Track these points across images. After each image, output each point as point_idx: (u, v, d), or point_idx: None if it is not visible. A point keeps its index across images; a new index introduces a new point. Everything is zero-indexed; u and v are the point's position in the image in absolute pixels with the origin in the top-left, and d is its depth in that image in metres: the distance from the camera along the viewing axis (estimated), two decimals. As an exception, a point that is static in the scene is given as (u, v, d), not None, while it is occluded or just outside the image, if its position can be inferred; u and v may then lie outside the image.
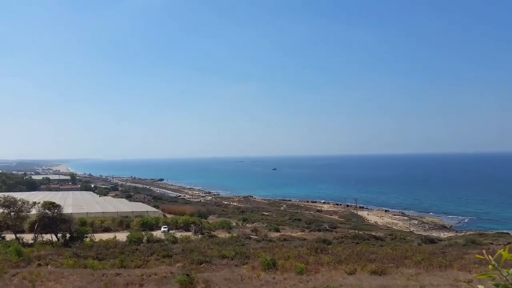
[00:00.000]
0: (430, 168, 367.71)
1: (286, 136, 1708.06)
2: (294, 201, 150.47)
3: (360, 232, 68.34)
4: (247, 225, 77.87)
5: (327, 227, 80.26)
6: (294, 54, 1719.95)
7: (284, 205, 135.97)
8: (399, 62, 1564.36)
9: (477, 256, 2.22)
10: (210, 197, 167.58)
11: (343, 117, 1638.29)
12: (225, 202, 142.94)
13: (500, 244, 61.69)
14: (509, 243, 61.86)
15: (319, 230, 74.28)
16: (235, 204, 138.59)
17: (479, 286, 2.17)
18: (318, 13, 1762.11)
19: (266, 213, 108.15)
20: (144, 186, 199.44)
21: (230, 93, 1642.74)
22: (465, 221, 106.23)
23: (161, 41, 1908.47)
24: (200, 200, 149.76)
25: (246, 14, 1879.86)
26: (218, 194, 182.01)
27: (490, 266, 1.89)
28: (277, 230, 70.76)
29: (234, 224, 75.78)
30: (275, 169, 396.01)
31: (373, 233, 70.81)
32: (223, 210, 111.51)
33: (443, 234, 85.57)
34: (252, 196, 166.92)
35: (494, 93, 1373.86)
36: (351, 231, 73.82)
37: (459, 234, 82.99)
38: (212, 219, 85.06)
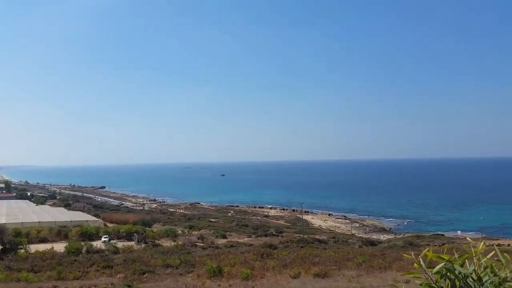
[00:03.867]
0: (378, 174, 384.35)
1: (235, 142, 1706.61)
2: (241, 207, 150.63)
3: (305, 236, 69.60)
4: (194, 232, 76.80)
5: (274, 232, 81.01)
6: (251, 55, 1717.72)
7: (232, 211, 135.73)
8: (362, 67, 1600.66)
9: (405, 255, 2.23)
10: (155, 205, 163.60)
11: (294, 122, 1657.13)
12: (171, 210, 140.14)
13: (435, 245, 65.30)
14: (443, 243, 65.68)
15: (266, 235, 74.76)
16: (181, 211, 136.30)
17: (400, 284, 2.17)
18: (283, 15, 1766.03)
19: (213, 220, 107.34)
20: (84, 194, 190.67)
21: (184, 97, 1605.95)
22: (404, 223, 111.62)
23: (114, 39, 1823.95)
24: (144, 208, 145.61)
25: (211, 14, 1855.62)
26: (164, 202, 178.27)
27: (415, 265, 1.90)
28: (224, 237, 70.45)
29: (180, 232, 74.51)
30: (223, 175, 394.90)
31: (317, 237, 72.39)
32: (168, 217, 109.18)
33: (383, 237, 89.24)
34: (199, 203, 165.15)
35: (462, 100, 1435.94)
36: (296, 235, 74.95)
37: (398, 236, 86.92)
38: (156, 227, 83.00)
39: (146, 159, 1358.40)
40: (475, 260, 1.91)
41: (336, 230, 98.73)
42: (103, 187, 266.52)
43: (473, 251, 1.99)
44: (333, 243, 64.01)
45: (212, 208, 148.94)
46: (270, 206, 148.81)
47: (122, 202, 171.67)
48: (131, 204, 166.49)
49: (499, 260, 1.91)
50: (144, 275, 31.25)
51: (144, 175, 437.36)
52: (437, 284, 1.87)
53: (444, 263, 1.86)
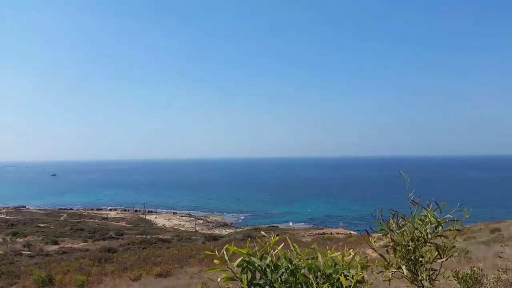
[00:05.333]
0: (221, 171, 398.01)
1: (70, 138, 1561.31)
2: (76, 209, 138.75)
3: (148, 237, 68.12)
4: (18, 239, 68.05)
5: (113, 235, 77.20)
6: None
7: (65, 215, 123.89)
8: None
9: (207, 253, 2.34)
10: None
11: (132, 118, 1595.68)
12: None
13: (270, 236, 71.11)
14: (278, 234, 71.73)
15: (104, 239, 70.85)
16: (2, 216, 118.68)
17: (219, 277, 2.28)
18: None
19: (43, 225, 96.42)
20: None
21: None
22: (243, 218, 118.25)
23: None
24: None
25: None
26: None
27: (215, 261, 2.02)
28: (56, 243, 64.32)
29: (0, 240, 65.18)
30: (54, 175, 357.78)
31: (160, 236, 71.54)
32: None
33: (225, 231, 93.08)
34: (25, 207, 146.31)
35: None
36: (138, 236, 72.80)
37: (238, 230, 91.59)
38: (-31, 237, 70.84)
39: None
40: (271, 251, 2.13)
41: (180, 228, 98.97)
42: None
43: (267, 243, 2.20)
44: (177, 241, 64.15)
45: (41, 212, 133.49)
46: (110, 207, 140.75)
47: None
48: None
49: (292, 250, 2.17)
50: (-51, 296, 26.40)
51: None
52: (238, 276, 2.01)
53: (243, 256, 2.02)
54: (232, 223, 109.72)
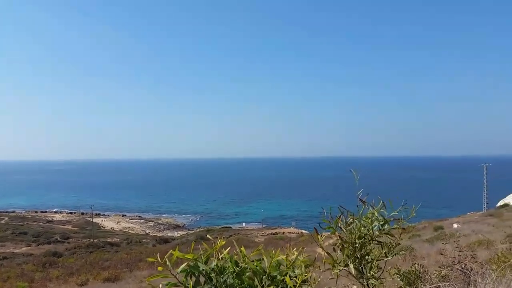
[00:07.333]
0: (172, 172, 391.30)
1: (12, 136, 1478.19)
2: (19, 212, 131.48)
3: (95, 240, 65.83)
4: (-49, 246, 63.38)
5: (59, 239, 73.99)
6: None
7: (6, 218, 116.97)
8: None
9: (150, 259, 2.26)
10: None
11: (77, 118, 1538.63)
12: None
13: (224, 237, 70.88)
14: (230, 235, 71.72)
15: (49, 243, 67.75)
16: None
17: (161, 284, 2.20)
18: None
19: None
20: None
21: None
22: (196, 219, 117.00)
23: None
24: None
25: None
26: None
27: (159, 268, 1.95)
28: (-5, 248, 60.61)
29: None
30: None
31: (108, 240, 69.38)
32: None
33: (177, 233, 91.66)
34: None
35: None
36: (85, 240, 70.15)
37: (190, 232, 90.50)
38: None
39: None
40: (216, 255, 2.08)
41: (130, 231, 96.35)
42: None
43: (214, 246, 2.16)
44: (126, 245, 62.51)
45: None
46: (55, 210, 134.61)
47: None
48: None
49: (241, 252, 2.14)
50: None
51: None
52: (182, 282, 1.95)
53: (188, 262, 1.96)
54: (184, 225, 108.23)
